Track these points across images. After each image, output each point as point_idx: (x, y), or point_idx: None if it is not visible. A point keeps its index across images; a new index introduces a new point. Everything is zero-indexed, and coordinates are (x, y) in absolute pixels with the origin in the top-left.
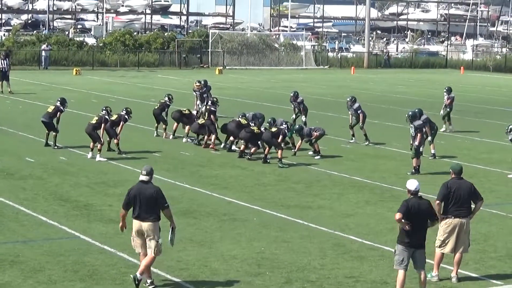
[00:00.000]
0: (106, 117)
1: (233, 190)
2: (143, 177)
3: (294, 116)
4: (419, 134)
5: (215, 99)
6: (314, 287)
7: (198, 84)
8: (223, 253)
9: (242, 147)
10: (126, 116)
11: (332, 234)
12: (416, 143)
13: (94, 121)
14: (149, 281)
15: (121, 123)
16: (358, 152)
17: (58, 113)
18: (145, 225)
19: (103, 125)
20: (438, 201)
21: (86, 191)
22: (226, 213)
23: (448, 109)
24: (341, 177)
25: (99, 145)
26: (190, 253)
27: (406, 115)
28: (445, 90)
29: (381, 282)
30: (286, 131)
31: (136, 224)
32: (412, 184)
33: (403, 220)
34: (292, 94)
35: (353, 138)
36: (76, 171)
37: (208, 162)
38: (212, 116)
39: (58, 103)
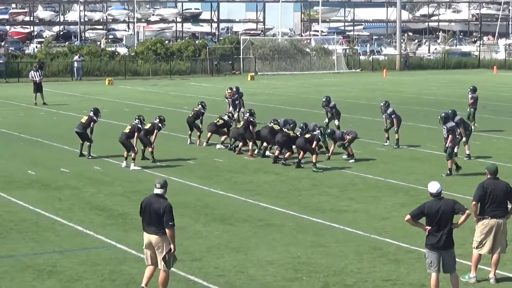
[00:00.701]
0: (139, 126)
1: (268, 195)
2: (157, 190)
3: (326, 120)
4: (451, 136)
5: (252, 110)
6: None
7: (229, 91)
8: (259, 259)
9: (277, 152)
10: (160, 124)
11: (369, 238)
12: (447, 144)
13: (127, 130)
14: None
15: (155, 132)
16: (393, 155)
17: (92, 123)
18: (153, 238)
19: (136, 134)
20: (474, 202)
21: (121, 200)
22: (261, 219)
23: (472, 109)
24: (376, 180)
25: (133, 154)
26: (227, 260)
27: (439, 117)
28: (469, 89)
29: (418, 285)
30: (319, 136)
31: (145, 236)
32: (433, 186)
33: (420, 223)
34: (324, 99)
35: (388, 141)
36: (111, 180)
37: (242, 168)
38: (251, 127)
39: (91, 113)
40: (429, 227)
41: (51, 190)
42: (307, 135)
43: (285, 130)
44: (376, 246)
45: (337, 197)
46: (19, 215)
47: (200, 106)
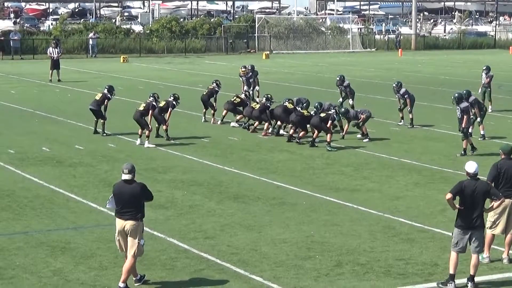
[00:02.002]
0: (154, 103)
1: (281, 174)
2: (125, 176)
3: (341, 99)
4: (465, 116)
5: (269, 95)
6: (364, 269)
7: (243, 69)
8: (272, 237)
9: (291, 131)
10: (174, 102)
11: (382, 217)
12: (463, 125)
13: (141, 108)
14: (135, 278)
15: (169, 109)
16: (407, 135)
17: (106, 100)
18: (128, 224)
19: (150, 111)
20: (488, 182)
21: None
22: (275, 197)
23: (489, 88)
24: (390, 160)
25: (147, 132)
26: (240, 238)
27: (452, 97)
28: (483, 68)
29: (431, 264)
30: (335, 115)
31: (119, 223)
32: (471, 166)
33: (454, 203)
34: (338, 78)
35: (402, 120)
36: (125, 157)
37: (256, 147)
38: (267, 111)
39: (105, 91)
40: (462, 208)
41: (66, 167)
42: (323, 114)
43: (299, 109)
44: (389, 225)
45: (351, 176)
46: (34, 192)
47: (214, 84)
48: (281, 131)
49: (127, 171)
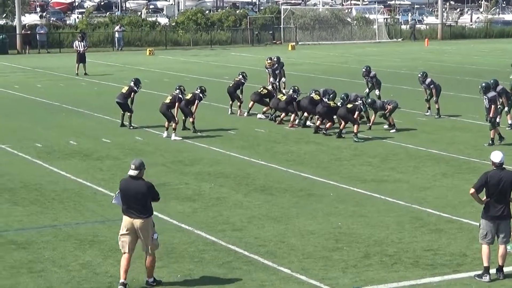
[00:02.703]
0: (180, 96)
1: (308, 165)
2: (132, 172)
3: (367, 90)
4: (493, 106)
5: (296, 87)
6: (392, 260)
7: (269, 61)
8: (300, 229)
9: (318, 122)
10: (201, 95)
11: (410, 208)
12: (490, 115)
13: (168, 101)
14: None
15: (196, 102)
16: (434, 125)
17: (132, 93)
18: (138, 223)
19: (177, 104)
20: None
21: (162, 170)
22: (302, 189)
23: None
24: (417, 150)
25: (174, 124)
26: (268, 230)
27: (480, 87)
28: None
29: (460, 255)
30: (361, 106)
31: (126, 220)
32: (496, 156)
33: (480, 196)
34: (364, 69)
35: (429, 110)
36: (152, 150)
37: (283, 139)
38: (294, 102)
39: (132, 84)
40: (487, 200)
41: (93, 160)
42: (349, 105)
43: (325, 100)
44: (417, 216)
45: (378, 167)
46: (61, 185)
47: (240, 76)
48: (308, 123)
49: (134, 167)
